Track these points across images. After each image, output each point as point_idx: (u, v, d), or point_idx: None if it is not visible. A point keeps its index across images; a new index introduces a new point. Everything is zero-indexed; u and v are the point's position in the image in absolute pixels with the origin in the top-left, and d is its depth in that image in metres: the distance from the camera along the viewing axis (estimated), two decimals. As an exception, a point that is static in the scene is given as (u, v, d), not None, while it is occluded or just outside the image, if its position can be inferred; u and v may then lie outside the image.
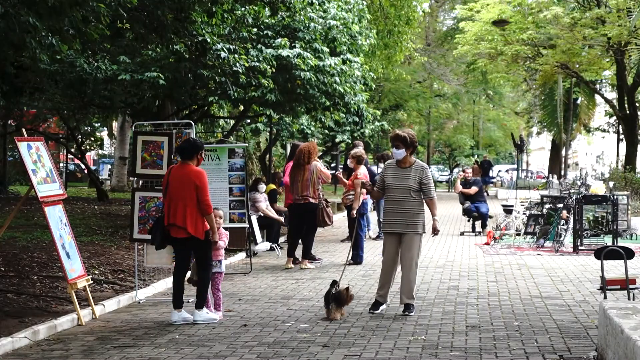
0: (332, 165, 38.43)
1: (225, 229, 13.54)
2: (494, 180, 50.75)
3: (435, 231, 9.28)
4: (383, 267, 9.36)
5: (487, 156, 52.26)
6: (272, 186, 17.10)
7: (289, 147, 19.60)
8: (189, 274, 9.15)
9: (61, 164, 37.70)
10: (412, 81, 45.27)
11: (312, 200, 13.13)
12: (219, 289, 9.19)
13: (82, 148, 32.12)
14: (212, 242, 8.86)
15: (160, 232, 8.84)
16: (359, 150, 15.10)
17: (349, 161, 14.91)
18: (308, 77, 15.86)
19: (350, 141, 29.79)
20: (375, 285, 11.27)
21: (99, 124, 37.42)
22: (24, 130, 10.27)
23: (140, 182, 11.22)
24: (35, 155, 9.15)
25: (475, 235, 19.00)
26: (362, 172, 14.25)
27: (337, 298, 8.75)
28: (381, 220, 18.12)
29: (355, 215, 14.03)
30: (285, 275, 12.53)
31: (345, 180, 14.91)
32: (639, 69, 28.66)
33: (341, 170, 14.89)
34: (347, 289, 8.89)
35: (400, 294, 9.23)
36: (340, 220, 22.53)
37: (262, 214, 15.39)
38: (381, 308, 9.21)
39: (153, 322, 8.91)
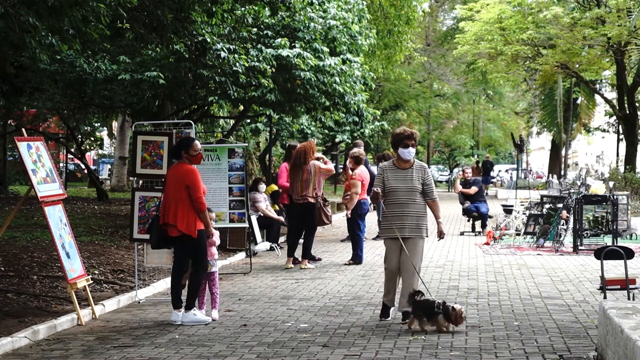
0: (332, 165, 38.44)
1: (225, 229, 13.63)
2: (494, 180, 50.80)
3: (441, 235, 8.85)
4: (388, 275, 8.84)
5: (489, 156, 52.33)
6: (274, 187, 17.08)
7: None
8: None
9: (61, 164, 37.70)
10: (412, 81, 45.28)
11: (311, 200, 13.13)
12: (217, 286, 9.19)
13: (82, 148, 32.10)
14: (206, 241, 8.89)
15: (155, 231, 8.86)
16: (357, 150, 15.08)
17: (347, 161, 14.88)
18: (308, 77, 15.86)
19: (350, 141, 29.81)
20: (375, 285, 11.29)
21: (99, 124, 37.42)
22: (23, 130, 10.26)
23: (140, 182, 11.23)
24: (35, 155, 9.15)
25: (475, 235, 19.00)
26: (357, 172, 14.23)
27: (445, 313, 8.06)
28: (381, 220, 18.20)
29: (350, 215, 14.06)
30: (285, 275, 12.53)
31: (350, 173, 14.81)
32: (639, 69, 28.68)
33: (348, 163, 14.82)
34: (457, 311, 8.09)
35: (401, 300, 8.76)
36: (340, 220, 22.53)
37: (262, 214, 15.39)
38: (391, 311, 8.83)
39: (153, 322, 8.91)
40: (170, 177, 8.85)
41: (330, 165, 13.61)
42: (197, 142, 9.00)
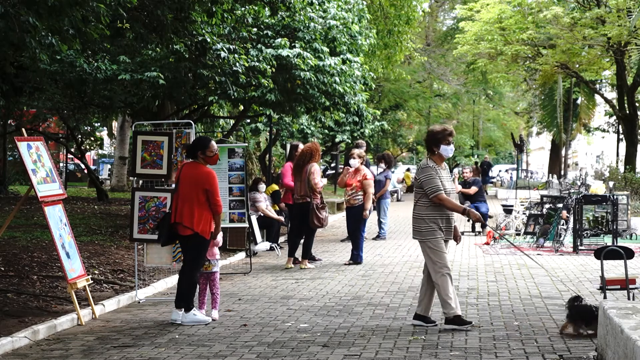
0: (332, 165, 38.49)
1: (225, 229, 13.64)
2: (493, 180, 50.87)
3: (460, 239, 8.76)
4: (448, 280, 8.31)
5: (488, 157, 52.39)
6: (275, 187, 17.09)
7: (289, 147, 19.58)
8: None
9: (61, 164, 37.71)
10: (412, 81, 45.31)
11: (309, 201, 13.14)
12: (218, 287, 9.19)
13: (82, 148, 32.11)
14: (212, 241, 8.91)
15: (166, 229, 8.86)
16: (363, 151, 15.06)
17: (356, 161, 14.57)
18: (308, 77, 15.86)
19: (350, 141, 29.82)
20: (375, 285, 11.30)
21: (99, 124, 37.43)
22: (23, 130, 10.26)
23: (140, 181, 11.22)
24: (35, 155, 9.15)
25: (475, 235, 19.00)
26: (368, 173, 14.27)
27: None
28: (382, 220, 18.22)
29: (368, 215, 14.04)
30: (285, 275, 12.53)
31: (347, 178, 14.69)
32: (639, 69, 28.69)
33: (358, 162, 14.56)
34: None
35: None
36: (340, 220, 22.55)
37: (261, 214, 15.40)
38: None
39: (153, 322, 8.91)
40: (184, 177, 8.77)
41: (318, 181, 13.33)
42: (213, 142, 8.96)
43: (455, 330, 8.13)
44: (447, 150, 8.46)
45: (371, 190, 14.15)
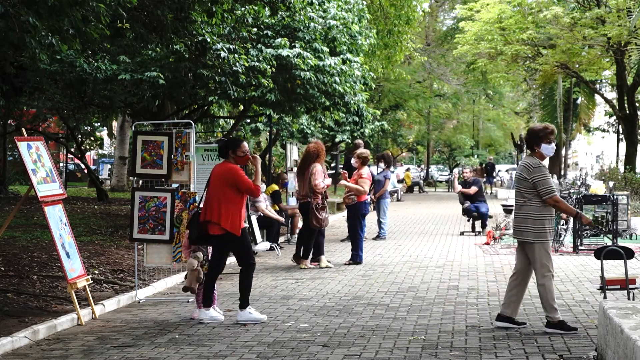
0: (332, 165, 38.52)
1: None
2: (495, 180, 50.96)
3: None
4: (553, 284, 8.24)
5: (491, 158, 52.53)
6: (275, 187, 17.09)
7: (289, 147, 19.58)
8: (183, 279, 9.16)
9: (61, 164, 37.71)
10: (412, 81, 45.33)
11: (309, 200, 13.14)
12: (216, 287, 9.20)
13: (82, 148, 32.12)
14: (249, 240, 9.04)
15: (195, 227, 8.94)
16: (366, 151, 15.07)
17: (353, 161, 14.71)
18: (308, 77, 15.86)
19: (350, 141, 29.85)
20: (375, 285, 11.30)
21: (99, 124, 37.46)
22: (23, 129, 10.25)
23: (140, 181, 11.23)
24: (35, 155, 9.15)
25: (475, 235, 19.00)
26: (366, 172, 14.27)
27: None
28: (382, 220, 18.22)
29: (343, 182, 14.06)
30: (285, 275, 12.53)
31: (347, 181, 14.59)
32: (639, 69, 28.70)
33: (354, 163, 14.71)
34: None
35: (516, 306, 8.38)
36: (340, 220, 22.55)
37: (261, 214, 15.40)
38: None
39: (153, 322, 8.91)
40: (213, 176, 8.90)
41: (318, 182, 13.34)
42: (245, 143, 9.06)
43: (508, 328, 8.10)
44: (549, 149, 8.32)
45: (365, 187, 14.10)
